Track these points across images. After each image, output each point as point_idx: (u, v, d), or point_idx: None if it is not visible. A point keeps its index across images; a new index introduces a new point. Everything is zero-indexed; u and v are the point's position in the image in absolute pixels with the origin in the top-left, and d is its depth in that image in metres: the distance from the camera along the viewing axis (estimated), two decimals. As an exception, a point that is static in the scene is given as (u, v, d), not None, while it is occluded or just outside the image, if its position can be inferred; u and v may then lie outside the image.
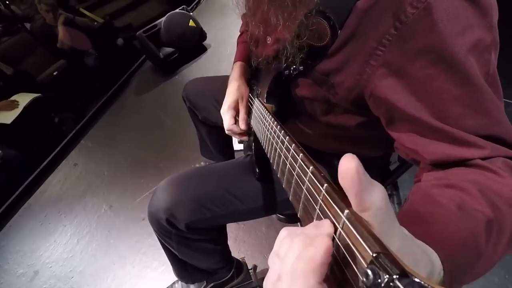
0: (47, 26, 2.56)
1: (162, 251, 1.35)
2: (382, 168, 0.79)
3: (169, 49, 2.28)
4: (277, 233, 0.96)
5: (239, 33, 0.90)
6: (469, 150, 0.37)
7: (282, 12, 0.55)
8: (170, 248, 0.79)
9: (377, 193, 0.20)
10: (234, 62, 0.83)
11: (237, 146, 1.52)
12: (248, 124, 0.73)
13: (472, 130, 0.37)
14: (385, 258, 0.17)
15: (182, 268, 0.88)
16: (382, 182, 0.78)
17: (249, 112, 0.78)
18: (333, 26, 0.43)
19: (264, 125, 0.52)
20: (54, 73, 2.71)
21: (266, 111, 0.53)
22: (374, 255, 0.18)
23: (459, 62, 0.36)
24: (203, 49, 2.46)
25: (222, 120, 1.04)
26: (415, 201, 0.35)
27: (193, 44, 2.34)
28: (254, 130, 0.74)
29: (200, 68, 2.37)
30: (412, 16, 0.36)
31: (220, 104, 1.01)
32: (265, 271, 1.19)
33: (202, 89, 1.05)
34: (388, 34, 0.39)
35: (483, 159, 0.36)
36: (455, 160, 0.37)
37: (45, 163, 1.92)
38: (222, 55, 2.42)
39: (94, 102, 2.31)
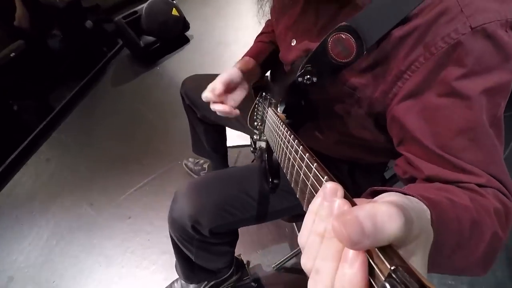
0: (2, 1, 2.28)
1: (152, 250, 1.34)
2: (381, 172, 0.85)
3: (150, 38, 2.15)
4: (268, 229, 1.01)
5: (259, 33, 0.89)
6: (466, 176, 0.40)
7: (319, 15, 0.54)
8: (187, 252, 0.78)
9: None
10: (243, 56, 0.82)
11: (231, 143, 1.52)
12: (221, 91, 0.71)
13: (469, 163, 0.40)
14: (403, 271, 0.17)
15: (190, 269, 0.88)
16: (382, 185, 0.84)
17: (262, 121, 0.79)
18: (360, 47, 0.45)
19: (277, 134, 0.52)
20: (11, 55, 2.44)
21: (280, 121, 0.53)
22: (392, 268, 0.17)
23: (472, 100, 0.40)
24: (186, 40, 2.37)
25: (221, 120, 1.04)
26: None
27: (176, 34, 2.25)
28: (267, 139, 0.75)
29: (183, 60, 2.29)
30: (442, 49, 0.40)
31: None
32: (257, 266, 1.23)
33: (203, 87, 1.04)
34: (418, 61, 0.42)
35: (479, 185, 0.39)
36: (451, 181, 0.40)
37: (10, 158, 1.74)
38: (205, 48, 2.35)
39: (65, 91, 2.13)
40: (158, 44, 2.19)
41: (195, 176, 1.52)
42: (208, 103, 1.01)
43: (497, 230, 0.35)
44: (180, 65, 2.25)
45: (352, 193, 0.38)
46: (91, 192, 1.58)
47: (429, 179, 0.42)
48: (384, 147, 0.58)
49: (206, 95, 0.70)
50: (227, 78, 0.71)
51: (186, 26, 2.29)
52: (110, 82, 2.24)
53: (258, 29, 0.90)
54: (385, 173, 0.85)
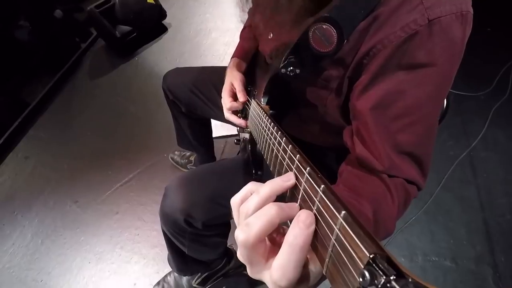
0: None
1: (142, 244, 1.34)
2: None
3: (125, 28, 2.07)
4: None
5: (243, 27, 0.88)
6: (382, 168, 0.46)
7: (292, 8, 0.56)
8: (180, 245, 0.79)
9: None
10: (232, 57, 0.83)
11: (216, 133, 1.52)
12: (246, 95, 0.74)
13: (400, 144, 0.46)
14: (381, 259, 0.17)
15: (183, 262, 0.89)
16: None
17: (245, 113, 0.79)
18: (340, 36, 0.46)
19: (260, 126, 0.53)
20: (-24, 48, 2.29)
21: (263, 112, 0.53)
22: (371, 256, 0.18)
23: (419, 88, 0.43)
24: (164, 29, 2.29)
25: (207, 113, 1.03)
26: None
27: (153, 23, 2.17)
28: (250, 131, 0.75)
29: (162, 50, 2.22)
30: (400, 39, 0.42)
31: (207, 98, 1.01)
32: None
33: (186, 81, 1.02)
34: (376, 48, 0.45)
35: (390, 176, 0.46)
36: (369, 166, 0.47)
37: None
38: (184, 36, 2.29)
39: (38, 86, 2.03)
40: (134, 34, 2.11)
41: (182, 169, 1.52)
42: (192, 98, 1.01)
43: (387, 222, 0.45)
44: (160, 55, 2.19)
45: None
46: (75, 189, 1.55)
47: (358, 160, 0.49)
48: None
49: (232, 105, 0.74)
50: (242, 85, 0.75)
51: (163, 14, 2.22)
52: (87, 75, 2.15)
53: (238, 15, 0.89)
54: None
